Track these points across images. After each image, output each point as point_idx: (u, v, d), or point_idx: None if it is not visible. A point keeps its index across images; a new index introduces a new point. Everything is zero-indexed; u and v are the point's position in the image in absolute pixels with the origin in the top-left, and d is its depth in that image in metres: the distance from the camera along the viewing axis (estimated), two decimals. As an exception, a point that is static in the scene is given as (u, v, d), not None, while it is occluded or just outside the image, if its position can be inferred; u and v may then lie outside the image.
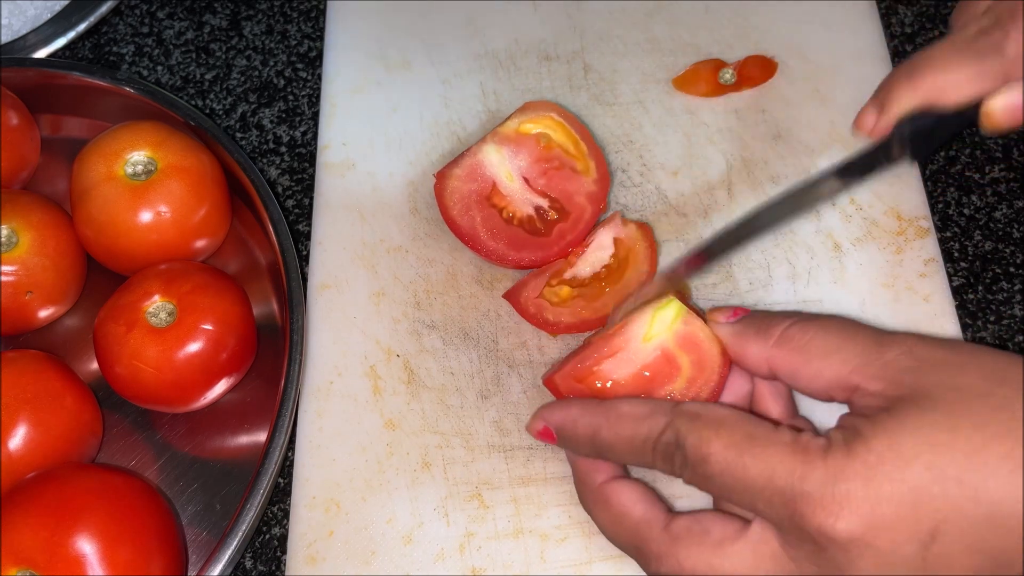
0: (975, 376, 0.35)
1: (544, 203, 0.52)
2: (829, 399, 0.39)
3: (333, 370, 0.51)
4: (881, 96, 0.45)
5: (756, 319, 0.42)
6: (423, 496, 0.48)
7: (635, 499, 0.41)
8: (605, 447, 0.41)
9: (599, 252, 0.51)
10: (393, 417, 0.49)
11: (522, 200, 0.52)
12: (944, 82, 0.43)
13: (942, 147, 0.44)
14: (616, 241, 0.51)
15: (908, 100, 0.44)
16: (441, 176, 0.52)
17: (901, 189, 0.55)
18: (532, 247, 0.51)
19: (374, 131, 0.57)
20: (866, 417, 0.36)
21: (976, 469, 0.33)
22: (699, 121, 0.57)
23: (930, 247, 0.53)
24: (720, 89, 0.58)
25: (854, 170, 0.46)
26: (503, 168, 0.52)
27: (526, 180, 0.52)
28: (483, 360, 0.51)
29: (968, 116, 0.44)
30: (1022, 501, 0.33)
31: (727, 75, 0.58)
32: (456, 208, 0.52)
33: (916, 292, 0.52)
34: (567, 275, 0.51)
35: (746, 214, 0.47)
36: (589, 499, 0.43)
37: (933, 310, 0.51)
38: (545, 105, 0.53)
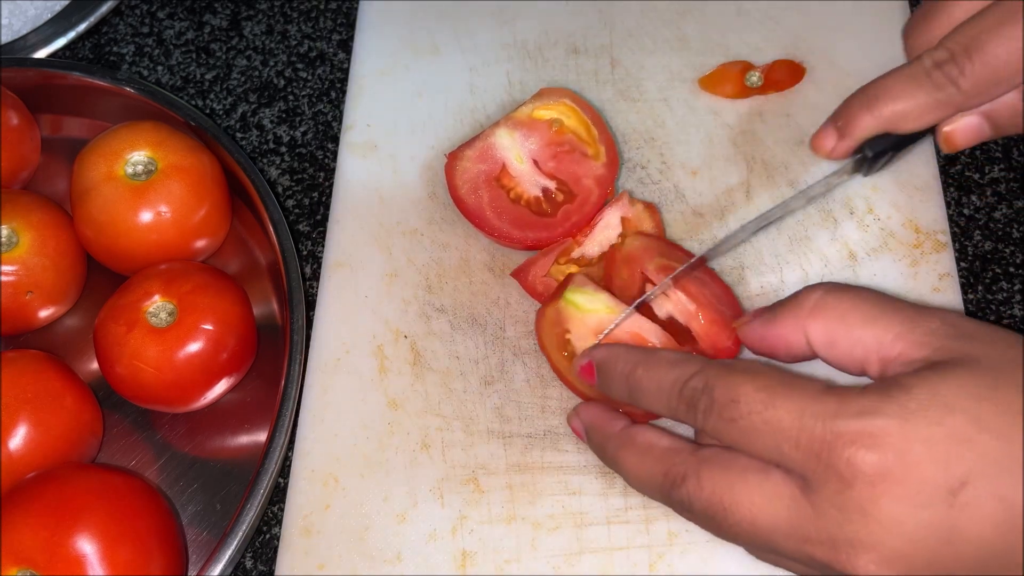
0: (1008, 348, 0.36)
1: (552, 185, 0.52)
2: (861, 372, 0.39)
3: (341, 347, 0.51)
4: (842, 121, 0.46)
5: (779, 302, 0.42)
6: (420, 476, 0.48)
7: (660, 435, 0.42)
8: (637, 387, 0.42)
9: (607, 231, 0.51)
10: (396, 397, 0.50)
11: (530, 182, 0.52)
12: (903, 111, 0.44)
13: (892, 162, 0.48)
14: (623, 220, 0.51)
15: (868, 126, 0.45)
16: (452, 157, 0.53)
17: (921, 201, 0.54)
18: (537, 227, 0.51)
19: (398, 114, 0.58)
20: (907, 373, 0.36)
21: (1018, 425, 0.34)
22: (723, 122, 0.57)
23: (946, 262, 0.52)
24: (746, 91, 0.58)
25: (816, 191, 0.49)
26: (513, 151, 0.53)
27: (535, 163, 0.53)
28: (489, 346, 0.51)
29: (923, 134, 0.46)
30: None
31: (754, 78, 0.58)
32: (464, 188, 0.52)
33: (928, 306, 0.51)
34: (575, 254, 0.51)
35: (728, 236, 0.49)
36: (612, 445, 0.43)
37: (944, 325, 0.51)
38: (559, 91, 0.53)
